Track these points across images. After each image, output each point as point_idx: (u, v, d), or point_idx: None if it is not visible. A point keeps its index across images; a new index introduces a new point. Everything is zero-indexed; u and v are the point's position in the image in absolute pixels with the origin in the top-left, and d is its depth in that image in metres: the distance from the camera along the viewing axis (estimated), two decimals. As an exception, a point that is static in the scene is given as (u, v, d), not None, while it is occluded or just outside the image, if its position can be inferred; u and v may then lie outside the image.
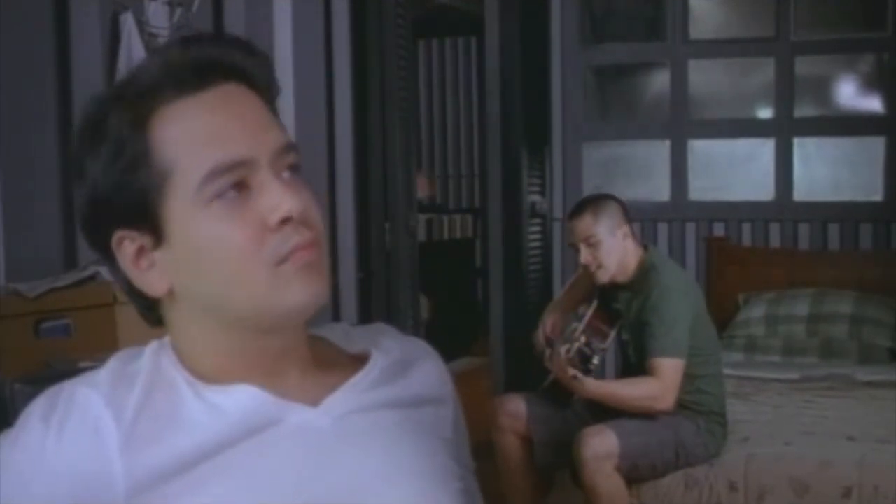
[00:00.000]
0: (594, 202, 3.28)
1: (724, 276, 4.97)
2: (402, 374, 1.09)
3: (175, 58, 0.98)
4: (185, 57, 0.98)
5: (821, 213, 5.00)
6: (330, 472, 0.98)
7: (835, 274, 4.78)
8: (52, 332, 2.45)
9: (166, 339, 1.04)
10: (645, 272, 3.19)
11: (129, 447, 0.95)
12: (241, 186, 0.96)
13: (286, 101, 3.57)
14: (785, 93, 5.06)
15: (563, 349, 3.10)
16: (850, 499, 3.01)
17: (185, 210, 0.96)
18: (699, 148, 5.26)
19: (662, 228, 5.20)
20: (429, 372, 1.13)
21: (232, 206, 0.96)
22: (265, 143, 0.98)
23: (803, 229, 5.03)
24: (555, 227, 5.25)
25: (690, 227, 5.18)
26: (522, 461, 3.28)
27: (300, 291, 0.97)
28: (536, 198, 5.15)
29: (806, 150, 5.10)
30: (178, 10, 3.20)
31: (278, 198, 0.96)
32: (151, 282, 1.00)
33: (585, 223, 3.19)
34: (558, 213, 5.23)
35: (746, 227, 5.11)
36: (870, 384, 4.04)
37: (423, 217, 5.73)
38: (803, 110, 5.09)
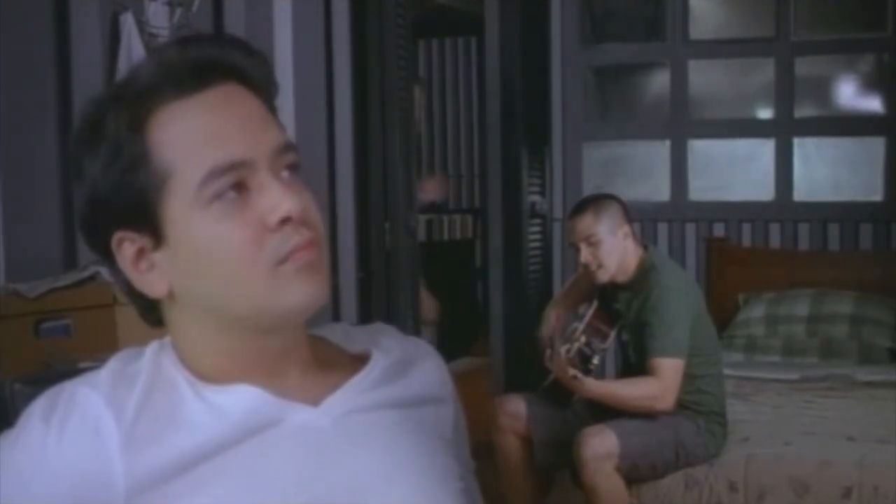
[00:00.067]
0: (595, 202, 3.28)
1: (724, 276, 4.97)
2: (403, 374, 1.09)
3: (173, 58, 0.98)
4: (183, 57, 0.98)
5: (821, 213, 5.00)
6: (330, 471, 0.98)
7: (835, 274, 4.79)
8: (52, 332, 2.45)
9: (167, 339, 1.04)
10: (645, 272, 3.19)
11: (129, 447, 0.95)
12: (240, 187, 0.96)
13: (286, 101, 3.56)
14: (785, 93, 5.06)
15: (563, 349, 3.10)
16: (850, 499, 3.01)
17: (184, 211, 0.96)
18: (699, 148, 5.26)
19: (662, 228, 5.20)
20: (429, 371, 1.13)
21: (231, 206, 0.96)
22: (264, 144, 0.98)
23: (803, 229, 5.03)
24: (555, 227, 5.25)
25: (690, 228, 5.18)
26: (522, 461, 3.28)
27: (300, 291, 0.97)
28: (536, 198, 5.14)
29: (806, 150, 5.10)
30: (178, 10, 3.20)
31: (277, 198, 0.96)
32: (151, 283, 1.00)
33: (586, 222, 3.20)
34: (558, 213, 5.23)
35: (746, 227, 5.11)
36: (870, 384, 4.04)
37: (423, 217, 5.72)
38: (803, 110, 5.09)
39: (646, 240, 4.22)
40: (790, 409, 3.76)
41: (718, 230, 5.13)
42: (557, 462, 3.22)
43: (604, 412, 3.12)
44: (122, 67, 2.92)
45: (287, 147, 0.99)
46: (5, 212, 2.72)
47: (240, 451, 0.96)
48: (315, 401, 1.01)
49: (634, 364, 3.20)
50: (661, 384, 3.04)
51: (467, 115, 7.39)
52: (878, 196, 4.98)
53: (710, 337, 3.29)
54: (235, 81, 1.00)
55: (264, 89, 1.02)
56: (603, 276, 3.21)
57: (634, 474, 3.08)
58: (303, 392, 1.02)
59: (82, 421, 0.95)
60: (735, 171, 5.25)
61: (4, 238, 2.71)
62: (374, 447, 1.01)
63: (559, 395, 3.21)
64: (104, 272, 2.37)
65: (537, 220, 5.16)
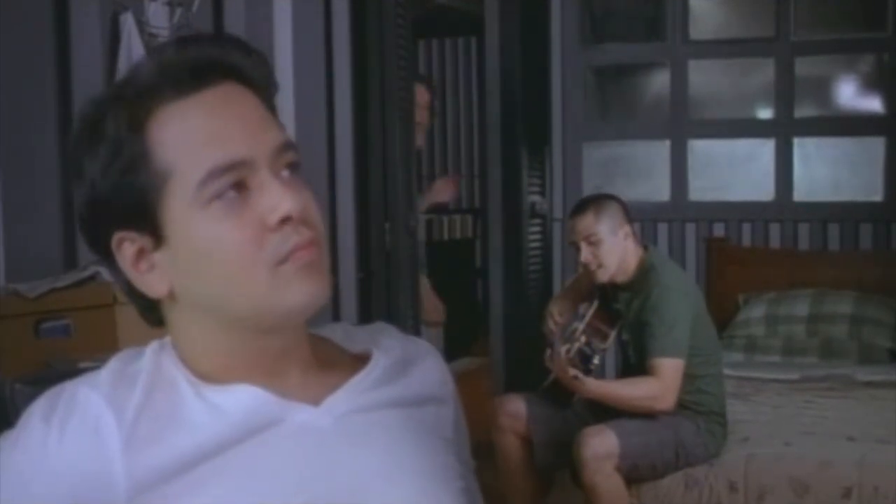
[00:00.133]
0: (596, 201, 3.28)
1: (724, 277, 4.97)
2: (404, 374, 1.09)
3: (173, 58, 0.98)
4: (182, 57, 0.98)
5: (821, 213, 5.00)
6: (331, 471, 0.98)
7: (835, 274, 4.78)
8: (52, 332, 2.45)
9: (167, 339, 1.04)
10: (645, 272, 3.19)
11: (130, 447, 0.95)
12: (240, 187, 0.96)
13: (286, 101, 3.56)
14: (785, 93, 5.06)
15: (563, 349, 3.10)
16: (850, 499, 3.01)
17: (184, 211, 0.96)
18: (699, 148, 5.26)
19: (662, 228, 5.20)
20: (430, 371, 1.13)
21: (231, 206, 0.96)
22: (263, 143, 0.98)
23: (803, 229, 5.03)
24: (555, 227, 5.25)
25: (690, 228, 5.18)
26: (522, 461, 3.28)
27: (300, 291, 0.97)
28: (536, 198, 5.14)
29: (806, 150, 5.10)
30: (178, 10, 3.20)
31: (277, 198, 0.96)
32: (151, 283, 1.00)
33: (587, 222, 3.20)
34: (558, 213, 5.23)
35: (746, 227, 5.11)
36: (870, 384, 4.04)
37: (423, 217, 5.70)
38: (803, 110, 5.09)
39: (646, 240, 4.22)
40: (790, 409, 3.76)
41: (718, 230, 5.13)
42: (557, 462, 3.22)
43: (604, 412, 3.12)
44: (122, 67, 2.92)
45: (287, 146, 0.99)
46: (5, 212, 2.72)
47: (240, 450, 0.96)
48: (316, 400, 1.01)
49: (634, 364, 3.20)
50: (661, 384, 3.04)
51: (467, 115, 7.39)
52: (878, 196, 4.97)
53: (710, 337, 3.29)
54: (235, 81, 1.00)
55: (264, 89, 1.02)
56: (603, 276, 3.21)
57: (634, 474, 3.08)
58: (303, 392, 1.02)
59: (83, 421, 0.95)
60: (735, 171, 5.25)
61: (4, 238, 2.71)
62: (374, 447, 1.01)
63: (559, 395, 3.21)
64: (104, 272, 2.37)
65: (537, 220, 5.16)
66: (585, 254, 3.20)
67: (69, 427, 0.95)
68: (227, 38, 1.03)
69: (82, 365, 1.32)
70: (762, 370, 4.29)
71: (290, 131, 1.05)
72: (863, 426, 3.45)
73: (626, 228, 3.22)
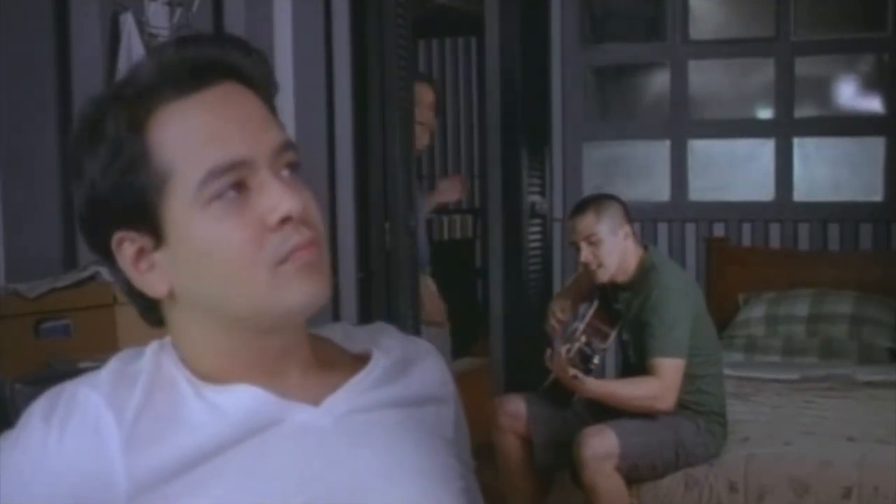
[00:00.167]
0: (596, 201, 3.28)
1: (724, 276, 4.97)
2: (404, 374, 1.09)
3: (172, 58, 0.98)
4: (182, 57, 0.98)
5: (821, 213, 5.00)
6: (331, 471, 0.98)
7: (835, 274, 4.79)
8: (52, 332, 2.45)
9: (167, 339, 1.04)
10: (645, 272, 3.19)
11: (130, 447, 0.95)
12: (240, 187, 0.96)
13: (286, 101, 3.56)
14: (785, 93, 5.06)
15: (563, 349, 3.10)
16: (850, 499, 3.01)
17: (184, 211, 0.96)
18: (699, 148, 5.26)
19: (662, 228, 5.20)
20: (430, 371, 1.13)
21: (231, 206, 0.96)
22: (264, 143, 0.98)
23: (803, 229, 5.03)
24: (555, 227, 5.25)
25: (690, 228, 5.18)
26: (522, 461, 3.28)
27: (300, 291, 0.97)
28: (536, 198, 5.14)
29: (806, 150, 5.10)
30: (178, 10, 3.20)
31: (278, 198, 0.96)
32: (151, 283, 1.00)
33: (588, 221, 3.20)
34: (558, 213, 5.23)
35: (746, 227, 5.11)
36: (870, 384, 4.04)
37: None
38: (803, 110, 5.09)
39: (646, 240, 4.22)
40: (790, 409, 3.76)
41: (718, 230, 5.13)
42: (557, 462, 3.22)
43: (604, 412, 3.12)
44: (122, 67, 2.92)
45: (287, 146, 0.99)
46: (5, 212, 2.71)
47: (240, 450, 0.96)
48: (316, 401, 1.01)
49: (635, 364, 3.20)
50: (661, 384, 3.04)
51: (467, 115, 7.40)
52: (878, 196, 4.97)
53: (711, 337, 3.29)
54: (235, 81, 1.00)
55: (264, 88, 1.02)
56: (603, 276, 3.22)
57: (634, 474, 3.08)
58: (303, 392, 1.02)
59: (83, 421, 0.95)
60: (735, 171, 5.25)
61: (4, 238, 2.71)
62: (374, 447, 1.01)
63: (559, 395, 3.21)
64: (104, 272, 2.37)
65: (537, 220, 5.16)
66: (586, 253, 3.20)
67: (69, 427, 0.95)
68: (227, 38, 1.03)
69: (82, 365, 1.32)
70: (762, 370, 4.29)
71: (290, 131, 1.05)
72: (863, 426, 3.45)
73: (627, 228, 3.22)
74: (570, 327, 3.32)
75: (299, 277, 0.96)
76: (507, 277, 4.95)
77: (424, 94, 4.31)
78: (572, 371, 3.04)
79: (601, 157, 5.39)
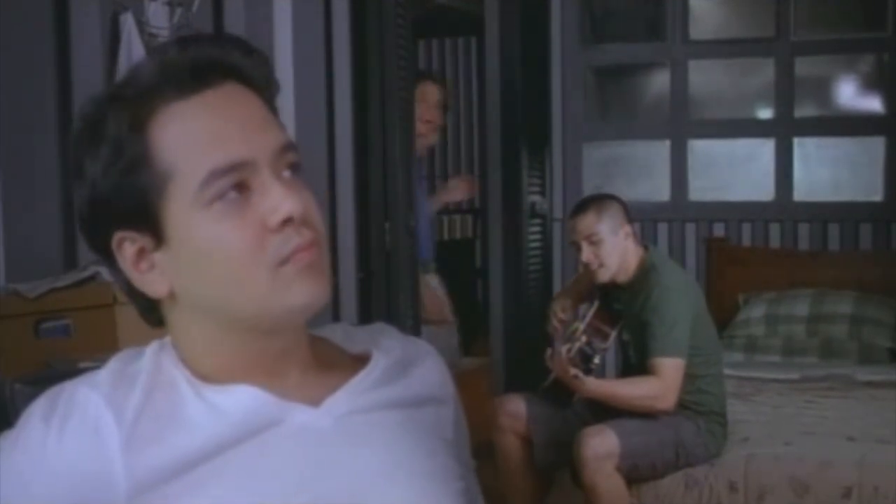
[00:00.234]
0: (597, 201, 3.29)
1: (724, 276, 4.97)
2: (404, 374, 1.09)
3: (173, 58, 0.98)
4: (183, 58, 0.98)
5: (821, 213, 5.00)
6: (331, 472, 0.98)
7: (835, 274, 4.79)
8: (52, 332, 2.45)
9: (167, 339, 1.04)
10: (645, 272, 3.19)
11: (130, 447, 0.95)
12: (241, 187, 0.96)
13: (286, 101, 3.56)
14: (785, 93, 5.06)
15: (564, 348, 3.10)
16: (850, 499, 3.01)
17: (185, 212, 0.96)
18: (699, 148, 5.26)
19: (662, 228, 5.20)
20: (430, 372, 1.13)
21: (232, 207, 0.96)
22: (265, 144, 0.98)
23: (803, 229, 5.03)
24: (555, 227, 5.24)
25: (690, 228, 5.18)
26: (522, 461, 3.28)
27: (301, 292, 0.97)
28: (536, 198, 5.14)
29: (806, 150, 5.10)
30: (178, 10, 3.20)
31: (279, 199, 0.96)
32: (152, 283, 1.00)
33: (588, 221, 3.20)
34: (558, 213, 5.22)
35: (746, 227, 5.11)
36: (870, 384, 4.04)
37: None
38: (803, 110, 5.08)
39: (646, 240, 4.22)
40: (790, 409, 3.76)
41: (718, 230, 5.13)
42: (557, 462, 3.22)
43: (604, 412, 3.12)
44: (122, 67, 2.92)
45: (288, 147, 0.99)
46: (5, 212, 2.71)
47: (240, 451, 0.96)
48: (315, 401, 1.01)
49: (635, 364, 3.20)
50: (662, 384, 3.04)
51: (467, 116, 7.39)
52: (878, 196, 4.97)
53: (711, 337, 3.29)
54: (236, 81, 0.99)
55: (265, 89, 1.02)
56: (604, 276, 3.22)
57: (634, 474, 3.08)
58: (303, 392, 1.02)
59: (82, 421, 0.95)
60: (735, 171, 5.25)
61: (4, 238, 2.71)
62: (374, 448, 1.01)
63: (560, 395, 3.21)
64: (104, 272, 2.37)
65: (537, 220, 5.16)
66: (587, 253, 3.20)
67: (69, 427, 0.95)
68: (227, 38, 1.03)
69: (82, 365, 1.32)
70: (762, 370, 4.29)
71: (290, 131, 1.05)
72: (863, 426, 3.45)
73: (627, 228, 3.23)
74: (571, 327, 3.32)
75: (300, 279, 0.96)
76: (507, 277, 4.95)
77: (431, 93, 4.31)
78: (573, 371, 3.03)
79: (601, 157, 5.38)
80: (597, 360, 3.18)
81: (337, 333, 1.13)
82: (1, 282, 2.66)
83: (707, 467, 3.14)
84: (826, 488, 3.05)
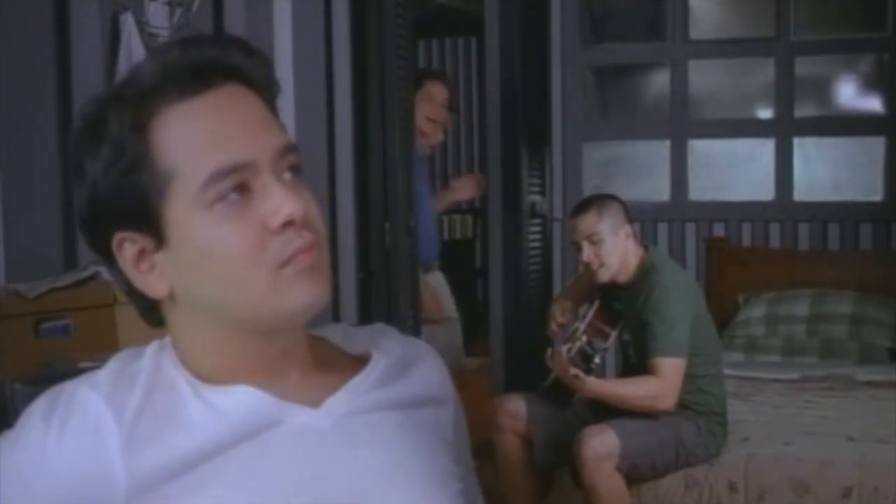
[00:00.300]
0: (598, 200, 3.29)
1: (724, 276, 4.97)
2: (403, 375, 1.09)
3: (174, 59, 0.98)
4: (184, 58, 0.98)
5: (821, 213, 5.00)
6: (330, 472, 0.98)
7: (835, 274, 4.78)
8: (52, 332, 2.44)
9: (167, 339, 1.04)
10: (645, 272, 3.19)
11: (129, 447, 0.95)
12: (242, 189, 0.96)
13: (286, 101, 3.56)
14: (785, 93, 5.06)
15: (564, 348, 3.10)
16: (850, 499, 3.01)
17: (186, 213, 0.96)
18: (699, 148, 5.25)
19: (662, 228, 5.20)
20: (429, 372, 1.13)
21: (233, 209, 0.96)
22: (266, 145, 0.98)
23: (803, 229, 5.03)
24: (555, 227, 5.24)
25: (690, 227, 5.18)
26: (522, 461, 3.28)
27: (301, 294, 0.97)
28: (536, 198, 5.14)
29: (806, 150, 5.10)
30: (178, 10, 3.20)
31: (280, 201, 0.96)
32: (152, 284, 1.00)
33: (589, 220, 3.20)
34: (558, 213, 5.22)
35: (746, 227, 5.11)
36: (870, 384, 4.04)
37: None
38: (803, 110, 5.08)
39: (646, 240, 4.22)
40: (790, 409, 3.76)
41: (718, 230, 5.13)
42: (557, 462, 3.22)
43: (604, 412, 3.12)
44: (122, 67, 2.92)
45: (288, 148, 0.99)
46: (5, 212, 2.71)
47: (240, 451, 0.96)
48: (315, 402, 1.01)
49: (635, 364, 3.20)
50: (662, 384, 3.04)
51: (467, 116, 7.39)
52: (878, 196, 4.97)
53: (711, 336, 3.29)
54: (237, 82, 0.99)
55: (265, 89, 1.02)
56: (604, 275, 3.22)
57: (634, 474, 3.08)
58: (303, 393, 1.02)
59: (82, 421, 0.95)
60: (735, 171, 5.25)
61: (4, 238, 2.71)
62: (374, 448, 1.01)
63: (560, 395, 3.21)
64: (104, 272, 2.36)
65: (537, 220, 5.16)
66: (587, 253, 3.20)
67: (69, 427, 0.95)
68: (228, 39, 1.03)
69: (82, 365, 1.32)
70: (762, 370, 4.29)
71: (290, 131, 1.05)
72: (863, 426, 3.45)
73: (627, 228, 3.23)
74: (571, 327, 3.32)
75: (300, 281, 0.96)
76: (507, 277, 4.95)
77: (438, 92, 4.31)
78: (573, 370, 3.04)
79: (601, 157, 5.38)
80: (597, 359, 3.18)
81: (337, 334, 1.13)
82: (1, 282, 2.66)
83: (707, 467, 3.14)
84: (826, 488, 3.05)
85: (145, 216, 0.97)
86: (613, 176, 5.28)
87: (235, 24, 3.47)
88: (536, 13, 5.14)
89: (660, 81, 5.30)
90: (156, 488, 0.94)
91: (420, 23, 5.06)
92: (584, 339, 3.18)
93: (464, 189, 4.69)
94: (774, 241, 5.07)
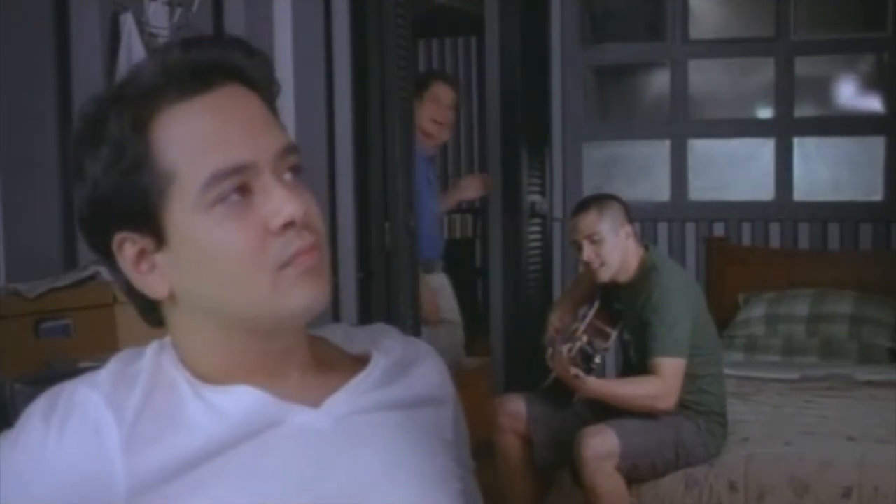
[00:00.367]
0: (598, 200, 3.29)
1: (724, 276, 4.97)
2: (403, 375, 1.09)
3: (175, 59, 0.98)
4: (185, 59, 0.98)
5: (821, 213, 5.00)
6: (331, 473, 0.98)
7: (835, 274, 4.79)
8: (52, 332, 2.44)
9: (167, 339, 1.04)
10: (646, 272, 3.19)
11: (130, 447, 0.95)
12: (243, 190, 0.96)
13: (286, 101, 3.56)
14: (785, 93, 5.06)
15: (565, 348, 3.10)
16: (850, 499, 3.01)
17: (186, 214, 0.96)
18: (699, 148, 5.25)
19: (662, 228, 5.20)
20: (429, 372, 1.13)
21: (234, 210, 0.96)
22: (266, 146, 0.98)
23: (803, 229, 5.03)
24: (555, 227, 5.24)
25: (690, 227, 5.18)
26: (522, 461, 3.28)
27: (302, 295, 0.97)
28: (536, 198, 5.14)
29: (806, 150, 5.10)
30: (178, 11, 3.20)
31: (280, 202, 0.96)
32: (152, 284, 1.00)
33: (590, 220, 3.20)
34: (558, 213, 5.23)
35: (746, 227, 5.11)
36: (870, 384, 4.04)
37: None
38: (803, 110, 5.08)
39: (646, 240, 4.21)
40: (790, 409, 3.76)
41: (718, 230, 5.13)
42: (557, 462, 3.22)
43: (604, 411, 3.12)
44: (122, 67, 2.92)
45: (289, 149, 0.99)
46: (5, 212, 2.71)
47: (240, 451, 0.96)
48: (315, 402, 1.01)
49: (636, 364, 3.20)
50: (662, 384, 3.04)
51: (467, 116, 7.39)
52: (878, 196, 4.97)
53: (711, 336, 3.29)
54: (237, 83, 0.99)
55: (266, 90, 1.02)
56: (605, 275, 3.22)
57: (635, 474, 3.08)
58: (303, 393, 1.02)
59: (82, 421, 0.95)
60: (735, 170, 5.25)
61: (4, 238, 2.71)
62: (374, 448, 1.01)
63: (560, 395, 3.21)
64: (104, 272, 2.36)
65: (537, 220, 5.16)
66: (588, 252, 3.20)
67: (69, 427, 0.95)
68: (229, 40, 1.03)
69: (82, 365, 1.31)
70: (762, 370, 4.29)
71: (290, 132, 1.05)
72: (863, 426, 3.45)
73: (628, 228, 3.23)
74: (572, 327, 3.32)
75: (301, 282, 0.96)
76: (507, 277, 4.95)
77: (445, 94, 4.31)
78: (574, 370, 3.03)
79: (601, 157, 5.38)
80: (597, 359, 3.18)
81: (337, 334, 1.13)
82: (1, 282, 2.66)
83: (707, 467, 3.14)
84: (826, 488, 3.05)
85: (146, 217, 0.97)
86: (613, 176, 5.28)
87: (235, 24, 3.47)
88: (536, 13, 5.14)
89: (660, 81, 5.30)
90: (156, 488, 0.94)
91: (420, 23, 5.05)
92: (585, 338, 3.17)
93: (470, 188, 4.69)
94: (774, 241, 5.08)
